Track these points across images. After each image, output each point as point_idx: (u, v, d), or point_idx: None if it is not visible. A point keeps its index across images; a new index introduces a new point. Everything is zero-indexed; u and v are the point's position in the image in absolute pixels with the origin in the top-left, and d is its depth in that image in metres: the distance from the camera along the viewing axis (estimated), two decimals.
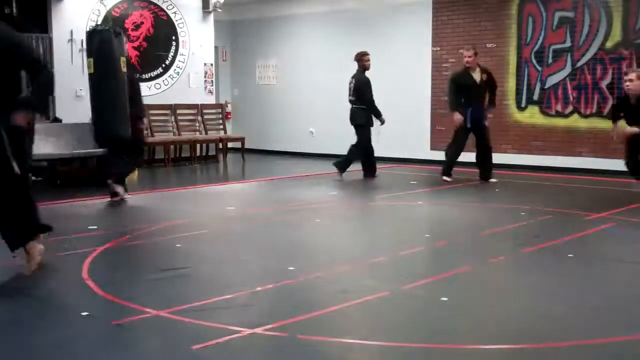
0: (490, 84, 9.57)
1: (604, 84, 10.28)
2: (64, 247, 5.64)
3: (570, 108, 10.63)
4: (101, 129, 7.84)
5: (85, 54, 8.97)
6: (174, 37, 12.33)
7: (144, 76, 11.97)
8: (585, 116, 10.46)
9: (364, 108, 9.92)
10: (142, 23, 11.88)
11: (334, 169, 10.12)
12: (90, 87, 7.87)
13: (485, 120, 9.53)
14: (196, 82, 12.68)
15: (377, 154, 12.71)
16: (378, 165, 10.41)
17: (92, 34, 7.85)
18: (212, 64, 13.05)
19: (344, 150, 13.03)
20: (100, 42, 7.65)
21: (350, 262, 5.12)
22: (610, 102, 10.19)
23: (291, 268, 4.90)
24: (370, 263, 5.10)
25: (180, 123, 12.42)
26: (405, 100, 12.11)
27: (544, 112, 10.88)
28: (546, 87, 10.81)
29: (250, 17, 14.40)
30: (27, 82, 6.60)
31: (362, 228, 6.77)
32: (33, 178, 9.15)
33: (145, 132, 8.93)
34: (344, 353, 3.40)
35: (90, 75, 7.82)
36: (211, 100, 13.12)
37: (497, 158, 11.10)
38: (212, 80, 13.10)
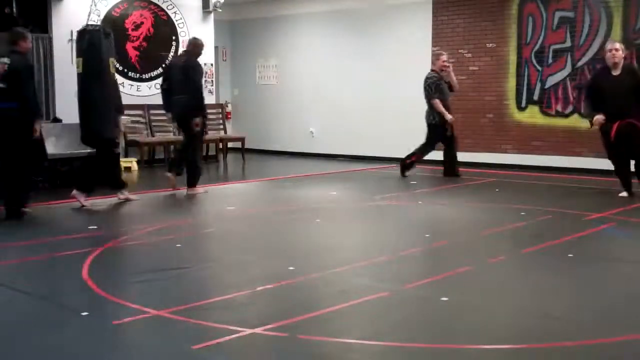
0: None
1: None
2: (64, 247, 5.64)
3: (570, 108, 10.62)
4: (84, 128, 7.83)
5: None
6: (174, 37, 12.33)
7: (144, 76, 11.97)
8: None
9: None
10: (142, 23, 11.88)
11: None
12: (78, 86, 7.85)
13: None
14: None
15: (377, 153, 12.68)
16: (378, 165, 10.38)
17: (82, 34, 7.81)
18: (212, 64, 13.04)
19: (343, 150, 13.09)
20: (90, 41, 7.61)
21: (350, 262, 5.12)
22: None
23: (291, 268, 4.90)
24: (370, 263, 5.10)
25: None
26: (405, 100, 12.09)
27: (544, 112, 10.87)
28: (546, 87, 10.80)
29: (250, 17, 14.39)
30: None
31: (362, 228, 6.77)
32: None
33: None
34: (344, 353, 3.40)
35: (78, 74, 7.80)
36: (211, 100, 13.09)
37: (497, 158, 11.13)
38: (212, 80, 13.10)
